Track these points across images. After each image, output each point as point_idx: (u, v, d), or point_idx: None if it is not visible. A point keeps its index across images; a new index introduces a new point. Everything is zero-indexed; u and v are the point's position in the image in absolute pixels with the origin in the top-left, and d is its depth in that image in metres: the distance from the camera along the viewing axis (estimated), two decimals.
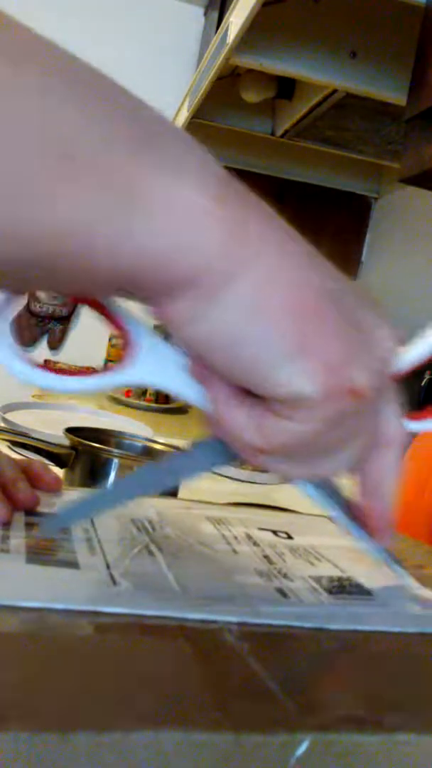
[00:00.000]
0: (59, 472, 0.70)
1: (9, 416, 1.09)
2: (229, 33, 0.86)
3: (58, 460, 0.70)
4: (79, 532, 0.32)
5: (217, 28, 0.93)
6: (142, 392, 1.90)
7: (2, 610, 0.23)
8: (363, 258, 1.54)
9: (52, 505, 0.36)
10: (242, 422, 0.24)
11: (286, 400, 0.22)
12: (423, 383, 0.96)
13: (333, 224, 1.56)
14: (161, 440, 0.82)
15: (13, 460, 0.37)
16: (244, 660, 0.21)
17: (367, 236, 1.54)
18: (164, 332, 0.24)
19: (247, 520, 0.38)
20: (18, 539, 0.30)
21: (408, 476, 0.73)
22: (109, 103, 0.21)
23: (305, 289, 0.22)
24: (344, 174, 1.42)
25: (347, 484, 0.30)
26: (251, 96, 1.08)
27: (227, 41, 0.86)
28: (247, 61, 0.91)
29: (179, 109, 1.23)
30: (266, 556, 0.32)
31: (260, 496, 1.07)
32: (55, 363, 2.25)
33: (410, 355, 0.30)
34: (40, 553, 0.28)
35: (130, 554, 0.30)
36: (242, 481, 1.15)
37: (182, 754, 0.17)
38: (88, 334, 2.43)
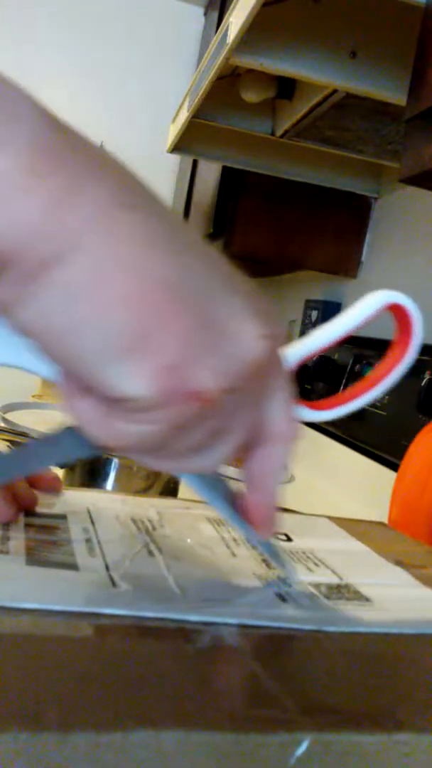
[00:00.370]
0: (59, 472, 0.70)
1: (9, 416, 1.09)
2: (229, 33, 0.86)
3: None
4: (79, 533, 0.32)
5: (217, 28, 0.93)
6: None
7: (1, 612, 0.23)
8: (363, 258, 1.54)
9: (51, 505, 0.36)
10: (88, 415, 0.22)
11: (120, 400, 0.21)
12: (423, 383, 0.96)
13: (333, 224, 1.56)
14: None
15: None
16: (244, 661, 0.22)
17: (367, 236, 1.54)
18: None
19: None
20: (18, 540, 0.30)
21: (408, 476, 0.73)
22: None
23: (143, 278, 0.20)
24: (344, 174, 1.42)
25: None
26: (251, 96, 1.08)
27: (227, 41, 0.86)
28: (247, 61, 0.91)
29: (179, 109, 1.23)
30: (265, 560, 0.32)
31: None
32: None
33: (300, 349, 0.29)
34: (40, 555, 0.28)
35: (129, 556, 0.30)
36: (242, 480, 1.15)
37: (182, 754, 0.17)
38: None
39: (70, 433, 0.27)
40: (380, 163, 1.30)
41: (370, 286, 1.47)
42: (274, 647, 0.23)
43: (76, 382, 0.23)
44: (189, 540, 0.33)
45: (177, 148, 1.34)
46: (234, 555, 0.32)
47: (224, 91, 1.12)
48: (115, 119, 2.33)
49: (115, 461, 0.71)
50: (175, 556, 0.31)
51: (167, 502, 0.41)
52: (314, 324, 1.63)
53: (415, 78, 0.70)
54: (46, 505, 0.35)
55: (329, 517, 0.43)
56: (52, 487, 0.38)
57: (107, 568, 0.28)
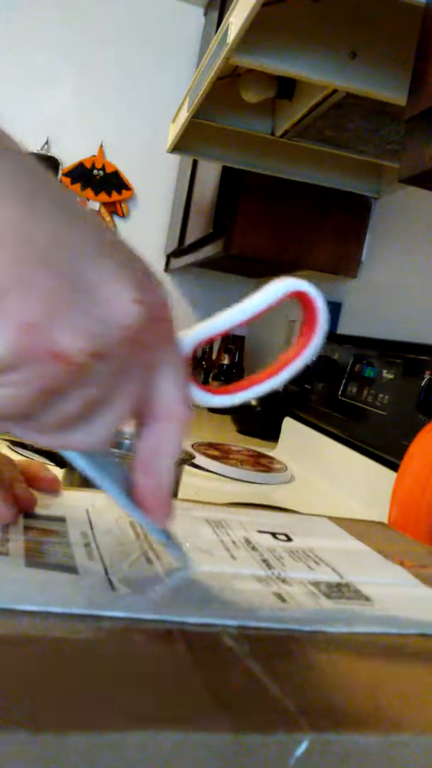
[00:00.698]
0: (59, 472, 0.70)
1: None
2: (229, 33, 0.86)
3: (58, 459, 0.69)
4: (78, 537, 0.32)
5: (217, 27, 0.93)
6: None
7: (1, 614, 0.23)
8: (363, 258, 1.54)
9: (50, 506, 0.36)
10: None
11: None
12: (423, 383, 0.96)
13: (333, 224, 1.56)
14: None
15: (11, 460, 0.37)
16: (243, 661, 0.21)
17: (367, 236, 1.54)
18: None
19: (247, 523, 0.38)
20: (17, 542, 0.30)
21: (408, 476, 0.73)
22: None
23: (3, 232, 0.19)
24: (344, 174, 1.42)
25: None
26: (251, 96, 1.08)
27: (227, 41, 0.86)
28: (247, 61, 0.91)
29: (179, 109, 1.23)
30: (265, 561, 0.32)
31: (260, 496, 1.07)
32: None
33: (198, 332, 0.28)
34: (39, 558, 0.28)
35: (128, 560, 0.30)
36: (242, 481, 1.15)
37: (180, 755, 0.17)
38: None
39: None
40: (380, 163, 1.30)
41: (370, 286, 1.47)
42: (274, 648, 0.23)
43: None
44: (188, 544, 0.33)
45: (177, 148, 1.34)
46: (233, 558, 0.32)
47: (224, 91, 1.12)
48: (115, 119, 2.33)
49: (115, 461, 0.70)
50: (173, 561, 0.30)
51: None
52: None
53: (415, 78, 0.70)
54: (44, 506, 0.35)
55: (329, 517, 0.43)
56: (51, 488, 0.38)
57: (106, 572, 0.28)
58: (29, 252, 0.19)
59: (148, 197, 2.38)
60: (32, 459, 0.44)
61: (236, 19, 0.83)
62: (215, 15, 1.98)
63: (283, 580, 0.30)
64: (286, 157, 1.37)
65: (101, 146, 2.32)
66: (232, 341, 2.10)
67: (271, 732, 0.18)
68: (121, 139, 2.34)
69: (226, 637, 0.23)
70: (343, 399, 1.22)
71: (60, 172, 2.30)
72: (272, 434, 1.58)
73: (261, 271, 2.15)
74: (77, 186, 2.30)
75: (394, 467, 0.99)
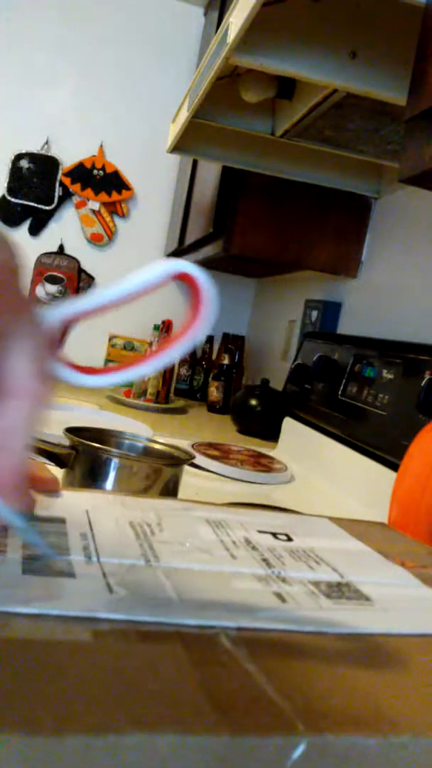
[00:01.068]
0: (59, 472, 0.70)
1: None
2: (229, 33, 0.86)
3: (58, 460, 0.69)
4: (77, 540, 0.32)
5: (217, 27, 0.93)
6: (142, 392, 1.90)
7: None
8: (363, 258, 1.54)
9: (49, 507, 0.35)
10: None
11: None
12: (423, 383, 0.96)
13: (333, 224, 1.56)
14: (161, 440, 0.82)
15: None
16: (241, 663, 0.21)
17: (367, 236, 1.54)
18: None
19: (247, 523, 0.38)
20: (14, 545, 0.30)
21: (408, 476, 0.73)
22: None
23: None
24: (344, 174, 1.42)
25: None
26: (251, 96, 1.08)
27: (227, 41, 0.86)
28: (247, 61, 0.91)
29: (179, 109, 1.23)
30: (265, 560, 0.32)
31: (260, 496, 1.07)
32: None
33: (67, 308, 0.27)
34: (37, 561, 0.28)
35: (126, 564, 0.30)
36: (242, 481, 1.15)
37: (177, 757, 0.17)
38: (88, 334, 2.42)
39: None
40: (380, 163, 1.30)
41: (370, 286, 1.47)
42: (272, 650, 0.23)
43: None
44: (187, 544, 0.33)
45: (177, 148, 1.34)
46: (233, 557, 0.32)
47: (224, 91, 1.12)
48: (115, 119, 2.33)
49: (115, 461, 0.71)
50: (172, 562, 0.30)
51: (167, 504, 0.40)
52: (314, 324, 1.63)
53: (416, 78, 0.70)
54: (44, 507, 0.35)
55: (330, 518, 0.43)
56: (51, 489, 0.37)
57: (104, 575, 0.28)
58: None
59: (148, 197, 2.38)
60: (31, 459, 0.43)
61: (236, 19, 0.83)
62: (215, 15, 1.98)
63: (283, 580, 0.30)
64: (286, 157, 1.37)
65: (101, 146, 2.32)
66: (232, 341, 2.10)
67: (267, 734, 0.18)
68: (121, 139, 2.34)
69: (224, 638, 0.23)
70: (343, 399, 1.22)
71: (60, 172, 2.30)
72: (272, 434, 1.58)
73: (261, 271, 2.15)
74: (77, 186, 2.30)
75: (394, 467, 0.99)
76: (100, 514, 0.35)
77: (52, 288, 2.32)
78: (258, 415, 1.63)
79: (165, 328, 2.09)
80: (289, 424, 1.49)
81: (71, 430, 0.72)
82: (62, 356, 0.25)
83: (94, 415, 1.34)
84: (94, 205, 2.33)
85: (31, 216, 2.31)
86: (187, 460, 0.76)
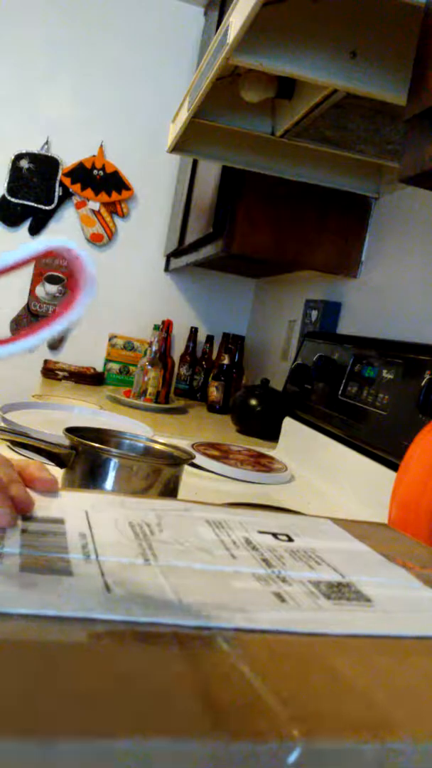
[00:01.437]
0: (59, 472, 0.70)
1: (9, 416, 1.09)
2: (229, 33, 0.86)
3: (58, 460, 0.69)
4: (76, 539, 0.31)
5: (217, 27, 0.92)
6: (142, 392, 1.89)
7: None
8: (363, 258, 1.54)
9: (49, 507, 0.35)
10: None
11: None
12: (423, 383, 0.95)
13: (333, 224, 1.56)
14: (161, 440, 0.82)
15: (8, 460, 0.37)
16: (238, 666, 0.21)
17: (367, 236, 1.54)
18: None
19: (247, 523, 0.38)
20: (12, 545, 0.30)
21: (408, 476, 0.73)
22: None
23: None
24: (344, 174, 1.42)
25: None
26: (251, 96, 1.08)
27: (227, 41, 0.86)
28: (247, 61, 0.91)
29: (179, 109, 1.23)
30: (265, 560, 0.32)
31: (260, 496, 1.07)
32: (56, 363, 2.25)
33: None
34: (34, 560, 0.28)
35: (125, 562, 0.29)
36: (242, 481, 1.15)
37: (170, 763, 0.17)
38: (88, 334, 2.42)
39: None
40: (380, 162, 1.30)
41: (370, 286, 1.47)
42: (269, 652, 0.23)
43: None
44: (187, 544, 0.33)
45: (177, 147, 1.34)
46: (233, 557, 0.32)
47: (224, 91, 1.12)
48: (115, 119, 2.33)
49: (115, 461, 0.70)
50: (171, 561, 0.30)
51: (167, 504, 0.40)
52: (314, 324, 1.63)
53: (416, 78, 0.70)
54: (43, 507, 0.35)
55: (331, 519, 0.43)
56: (49, 489, 0.37)
57: (102, 573, 0.28)
58: None
59: (148, 197, 2.38)
60: (31, 459, 0.43)
61: (236, 19, 0.83)
62: (215, 15, 1.98)
63: (283, 579, 0.30)
64: (286, 157, 1.37)
65: (101, 146, 2.32)
66: (232, 341, 2.10)
67: (262, 740, 0.18)
68: (121, 139, 2.34)
69: (222, 640, 0.23)
70: (343, 399, 1.22)
71: (60, 172, 2.30)
72: (272, 434, 1.58)
73: (261, 271, 2.15)
74: (77, 186, 2.30)
75: (394, 467, 0.99)
76: (99, 515, 0.35)
77: (52, 288, 2.32)
78: (258, 415, 1.63)
79: (165, 328, 2.09)
80: (289, 424, 1.49)
81: (71, 430, 0.72)
82: None
83: (94, 415, 1.34)
84: (94, 205, 2.33)
85: (31, 216, 2.31)
86: (187, 460, 0.76)
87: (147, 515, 0.37)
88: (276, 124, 1.24)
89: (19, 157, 2.27)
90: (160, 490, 0.72)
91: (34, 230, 2.32)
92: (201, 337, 2.35)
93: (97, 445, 0.71)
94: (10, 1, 2.24)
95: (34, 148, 2.28)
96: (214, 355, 2.25)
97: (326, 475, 1.22)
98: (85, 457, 0.70)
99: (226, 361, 2.01)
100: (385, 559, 0.35)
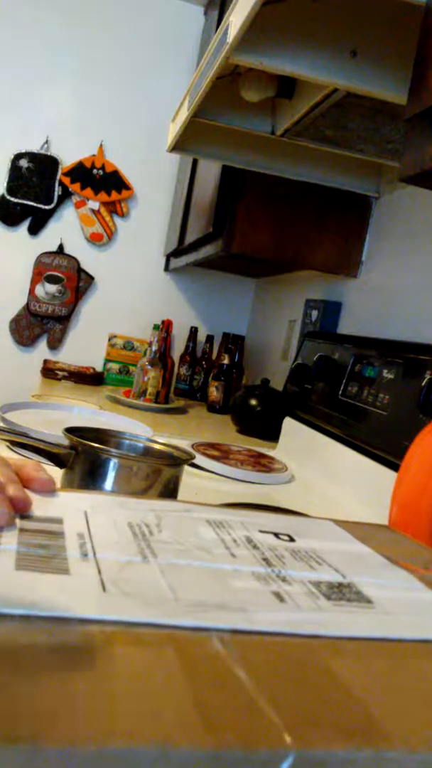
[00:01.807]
0: (58, 472, 0.70)
1: (9, 416, 1.09)
2: (229, 32, 0.86)
3: (58, 460, 0.69)
4: (74, 538, 0.31)
5: (217, 27, 0.92)
6: (142, 392, 1.89)
7: None
8: (363, 258, 1.54)
9: (48, 507, 0.35)
10: None
11: None
12: (423, 383, 0.95)
13: (333, 224, 1.55)
14: (161, 440, 0.81)
15: (5, 460, 0.37)
16: (233, 670, 0.21)
17: (367, 236, 1.54)
18: None
19: (249, 523, 0.38)
20: (9, 544, 0.29)
21: (408, 476, 0.73)
22: None
23: None
24: (344, 173, 1.42)
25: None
26: (251, 95, 1.07)
27: (227, 40, 0.86)
28: (247, 60, 0.91)
29: (179, 108, 1.23)
30: (265, 559, 0.32)
31: (260, 496, 1.07)
32: (55, 363, 2.25)
33: None
34: (31, 560, 0.28)
35: (123, 561, 0.29)
36: (242, 481, 1.14)
37: None
38: (87, 334, 2.42)
39: None
40: (380, 162, 1.30)
41: (370, 286, 1.47)
42: (266, 655, 0.23)
43: None
44: (187, 543, 0.32)
45: (177, 147, 1.33)
46: (233, 556, 0.32)
47: (224, 90, 1.12)
48: (115, 118, 2.33)
49: (115, 461, 0.70)
50: (170, 560, 0.30)
51: (167, 505, 0.40)
52: (315, 324, 1.63)
53: (416, 77, 0.70)
54: (42, 507, 0.35)
55: (333, 520, 0.42)
56: (46, 489, 0.37)
57: (99, 572, 0.27)
58: None
59: (148, 197, 2.37)
60: (30, 459, 0.43)
61: (236, 18, 0.83)
62: (215, 14, 1.98)
63: (283, 579, 0.29)
64: (286, 156, 1.37)
65: (101, 145, 2.31)
66: (232, 341, 2.10)
67: (254, 748, 0.17)
68: (121, 139, 2.34)
69: (218, 642, 0.23)
70: (343, 399, 1.22)
71: (60, 172, 2.29)
72: (272, 434, 1.57)
73: (261, 271, 2.15)
74: (77, 185, 2.30)
75: (394, 467, 0.98)
76: (98, 515, 0.35)
77: (52, 288, 2.32)
78: (258, 415, 1.63)
79: (165, 328, 2.09)
80: (289, 424, 1.49)
81: (71, 430, 0.72)
82: None
83: (94, 415, 1.33)
84: (94, 204, 2.33)
85: (31, 215, 2.31)
86: (187, 460, 0.76)
87: (146, 516, 0.37)
88: (276, 124, 1.24)
89: (18, 156, 2.27)
90: (160, 490, 0.72)
91: (34, 230, 2.32)
92: (201, 337, 2.35)
93: (96, 445, 0.71)
94: (11, 1, 2.24)
95: (34, 147, 2.28)
96: (214, 355, 2.25)
97: (326, 475, 1.22)
98: (84, 458, 0.70)
99: (226, 361, 2.01)
100: (387, 561, 0.35)
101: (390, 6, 0.78)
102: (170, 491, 0.73)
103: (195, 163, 1.97)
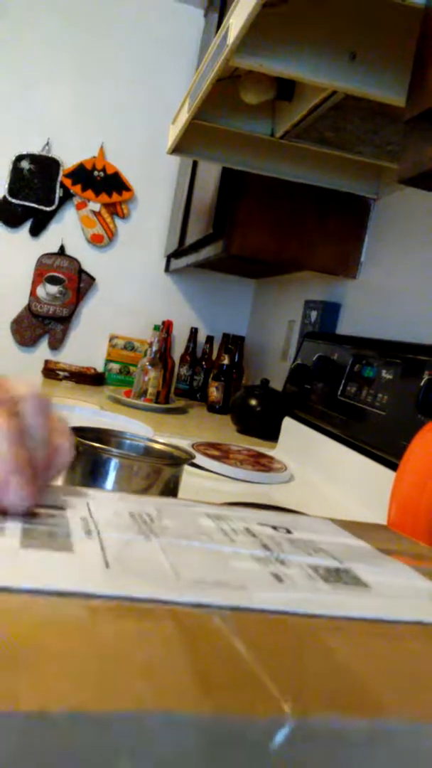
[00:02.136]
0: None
1: None
2: (229, 34, 0.87)
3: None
4: (77, 520, 0.32)
5: (217, 29, 0.93)
6: (143, 392, 1.90)
7: None
8: (363, 258, 1.54)
9: (50, 499, 0.36)
10: None
11: None
12: (422, 383, 0.96)
13: (333, 225, 1.56)
14: (161, 440, 0.82)
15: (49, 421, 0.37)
16: (232, 644, 0.21)
17: (367, 237, 1.54)
18: None
19: (248, 518, 0.39)
20: (14, 522, 0.30)
21: (407, 476, 0.73)
22: None
23: None
24: (344, 175, 1.42)
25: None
26: (251, 97, 1.08)
27: (227, 42, 0.87)
28: (247, 63, 0.91)
29: (179, 110, 1.23)
30: (264, 545, 0.32)
31: (260, 496, 1.07)
32: (56, 363, 2.25)
33: None
34: (35, 537, 0.29)
35: (126, 538, 0.30)
36: (242, 480, 1.15)
37: (163, 734, 0.17)
38: (88, 334, 2.43)
39: None
40: (379, 164, 1.30)
41: (370, 286, 1.47)
42: (265, 631, 0.23)
43: None
44: (188, 530, 0.33)
45: (177, 149, 1.34)
46: (233, 541, 0.32)
47: (224, 92, 1.12)
48: (115, 120, 2.33)
49: (116, 461, 0.71)
50: (172, 541, 0.31)
51: (167, 500, 0.41)
52: (314, 324, 1.64)
53: (415, 79, 0.71)
54: (44, 499, 0.35)
55: (331, 519, 0.43)
56: (63, 461, 0.36)
57: (102, 549, 0.28)
58: None
59: (149, 198, 2.38)
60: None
61: (236, 21, 0.83)
62: (215, 16, 1.98)
63: (282, 562, 0.30)
64: (286, 158, 1.37)
65: (102, 147, 2.32)
66: (232, 341, 2.10)
67: (251, 714, 0.18)
68: (122, 141, 2.35)
69: (217, 617, 0.23)
70: (343, 399, 1.22)
71: (61, 173, 2.30)
72: (272, 434, 1.58)
73: (261, 272, 2.16)
74: (78, 187, 2.31)
75: (393, 467, 0.99)
76: (100, 505, 0.36)
77: (53, 289, 2.33)
78: (258, 415, 1.64)
79: (165, 329, 2.10)
80: (288, 424, 1.49)
81: (72, 430, 0.72)
82: None
83: (95, 415, 1.34)
84: (95, 206, 2.33)
85: (32, 217, 2.31)
86: (187, 460, 0.76)
87: (147, 508, 0.37)
88: (276, 126, 1.24)
89: (19, 158, 2.27)
90: (161, 489, 0.72)
91: (35, 231, 2.32)
92: (201, 337, 2.36)
93: (97, 444, 0.71)
94: (11, 2, 2.25)
95: (35, 149, 2.29)
96: (214, 356, 2.26)
97: (326, 474, 1.22)
98: (85, 457, 0.71)
99: (226, 362, 2.02)
100: (383, 554, 0.35)
101: (389, 8, 0.78)
102: (170, 490, 0.74)
103: (195, 164, 1.97)
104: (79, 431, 0.73)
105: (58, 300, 2.33)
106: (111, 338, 2.35)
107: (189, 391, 2.29)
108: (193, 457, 0.77)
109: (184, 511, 0.38)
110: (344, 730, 0.18)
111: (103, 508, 0.35)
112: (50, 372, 2.20)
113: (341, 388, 1.24)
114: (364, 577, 0.30)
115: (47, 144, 2.29)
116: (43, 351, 2.37)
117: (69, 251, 2.34)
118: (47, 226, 2.33)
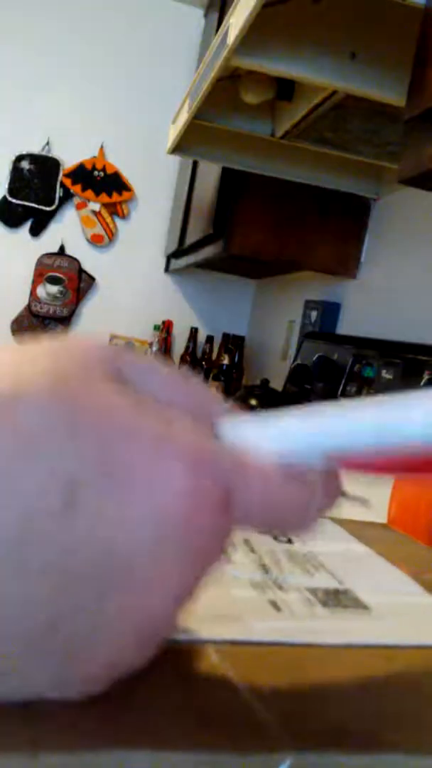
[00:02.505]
0: None
1: None
2: (229, 34, 0.87)
3: None
4: None
5: (217, 29, 0.93)
6: None
7: None
8: (362, 259, 1.54)
9: None
10: None
11: None
12: (422, 383, 0.96)
13: (333, 224, 1.56)
14: None
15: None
16: (228, 678, 0.21)
17: (367, 237, 1.54)
18: None
19: None
20: None
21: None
22: None
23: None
24: (344, 175, 1.42)
25: None
26: (251, 97, 1.08)
27: (227, 42, 0.87)
28: (247, 63, 0.91)
29: (179, 111, 1.23)
30: (263, 565, 0.32)
31: None
32: None
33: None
34: None
35: None
36: None
37: None
38: (88, 334, 2.42)
39: None
40: (379, 164, 1.30)
41: (370, 286, 1.47)
42: (262, 664, 0.23)
43: None
44: None
45: (177, 149, 1.34)
46: (230, 561, 0.32)
47: (224, 92, 1.12)
48: (115, 120, 2.33)
49: None
50: None
51: None
52: (314, 324, 1.64)
53: (415, 79, 0.71)
54: None
55: (331, 519, 0.43)
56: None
57: None
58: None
59: (149, 198, 2.38)
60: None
61: (236, 21, 0.83)
62: (215, 16, 1.98)
63: (280, 587, 0.30)
64: (286, 158, 1.37)
65: (102, 147, 2.32)
66: (232, 341, 2.10)
67: (247, 752, 0.18)
68: (122, 140, 2.34)
69: (213, 652, 0.23)
70: (343, 399, 1.22)
71: (61, 173, 2.30)
72: None
73: (261, 272, 2.16)
74: (78, 187, 2.31)
75: None
76: None
77: (53, 288, 2.33)
78: None
79: (165, 328, 2.10)
80: None
81: None
82: None
83: None
84: (95, 206, 2.33)
85: (32, 217, 2.31)
86: None
87: None
88: (276, 126, 1.24)
89: (19, 158, 2.27)
90: None
91: (35, 231, 2.32)
92: (201, 337, 2.36)
93: None
94: (11, 2, 2.25)
95: (35, 149, 2.29)
96: (214, 356, 2.26)
97: None
98: None
99: (226, 362, 2.01)
100: (386, 563, 0.35)
101: (389, 8, 0.78)
102: None
103: (195, 164, 1.97)
104: None
105: (58, 300, 2.33)
106: (111, 338, 2.35)
107: None
108: None
109: None
110: (347, 764, 0.18)
111: None
112: None
113: (341, 388, 1.24)
114: (364, 597, 0.29)
115: (47, 144, 2.29)
116: None
117: (69, 251, 2.34)
118: (47, 226, 2.33)
